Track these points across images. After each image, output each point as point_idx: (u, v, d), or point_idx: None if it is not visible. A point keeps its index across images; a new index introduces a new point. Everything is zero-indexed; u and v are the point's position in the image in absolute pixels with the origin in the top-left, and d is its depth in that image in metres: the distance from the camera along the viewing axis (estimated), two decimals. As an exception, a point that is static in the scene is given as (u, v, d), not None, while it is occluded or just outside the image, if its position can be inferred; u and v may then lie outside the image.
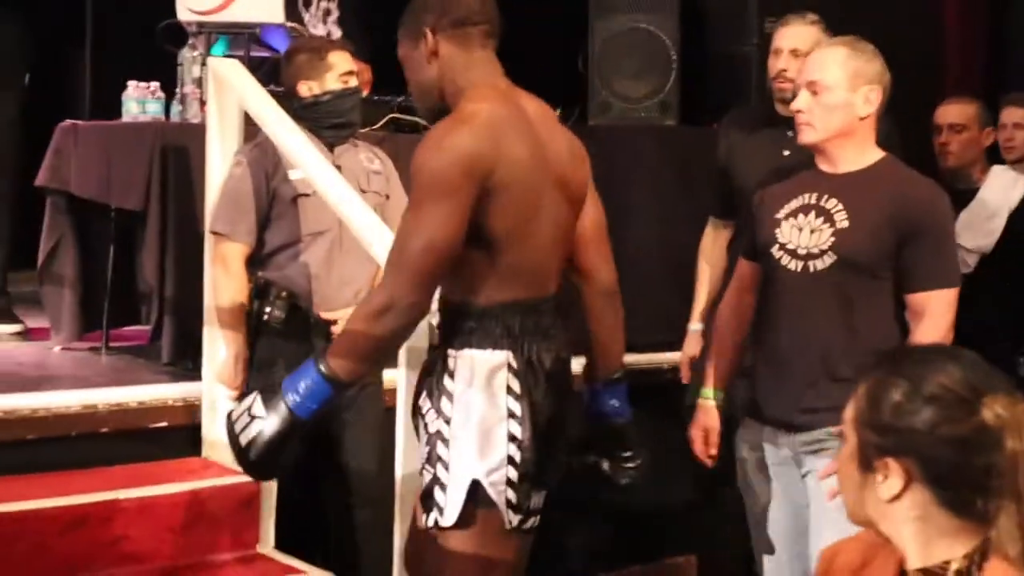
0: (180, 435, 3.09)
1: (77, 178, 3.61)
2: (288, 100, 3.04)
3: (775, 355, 2.37)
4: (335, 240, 2.95)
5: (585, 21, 4.39)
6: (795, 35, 3.08)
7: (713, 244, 3.29)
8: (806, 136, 2.35)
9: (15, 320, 4.01)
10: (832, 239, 2.28)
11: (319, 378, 1.89)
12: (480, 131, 1.92)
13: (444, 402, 1.97)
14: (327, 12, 4.32)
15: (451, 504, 1.96)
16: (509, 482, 1.97)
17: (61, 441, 2.93)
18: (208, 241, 3.02)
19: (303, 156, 2.83)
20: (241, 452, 1.93)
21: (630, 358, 2.37)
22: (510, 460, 1.97)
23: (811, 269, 2.30)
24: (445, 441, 1.97)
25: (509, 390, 1.97)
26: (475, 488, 1.96)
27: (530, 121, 2.01)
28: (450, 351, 1.99)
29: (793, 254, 2.32)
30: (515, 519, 1.99)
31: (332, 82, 3.01)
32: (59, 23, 4.61)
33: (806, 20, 3.08)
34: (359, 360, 1.92)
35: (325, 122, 2.97)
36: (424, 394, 2.04)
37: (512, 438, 1.97)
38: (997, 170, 3.57)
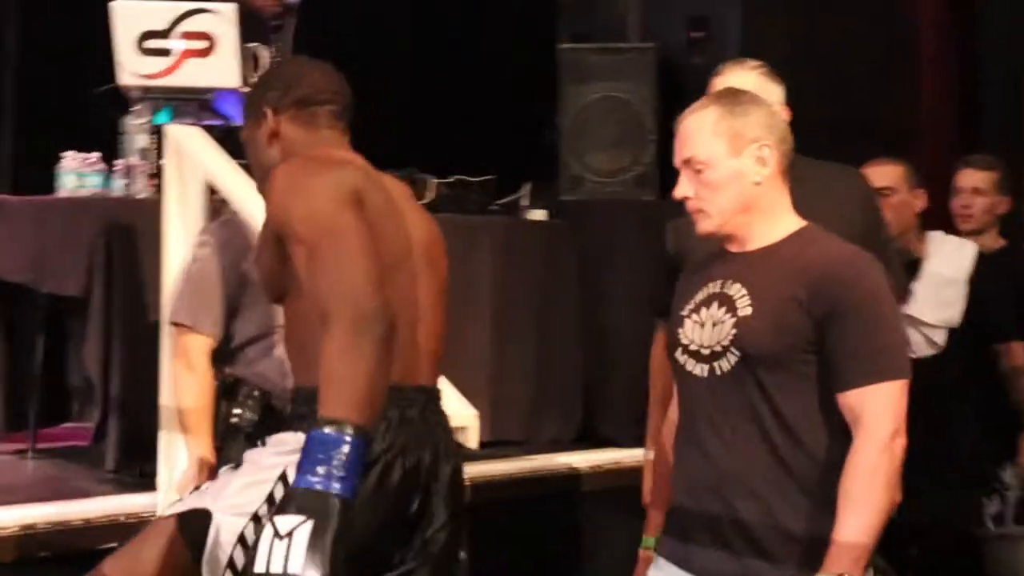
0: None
1: (2, 260, 3.30)
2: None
3: (689, 488, 1.93)
4: None
5: (554, 88, 4.25)
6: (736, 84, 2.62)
7: (663, 352, 2.74)
8: (703, 225, 1.96)
9: None
10: (734, 331, 1.87)
11: (355, 439, 1.59)
12: (336, 163, 1.85)
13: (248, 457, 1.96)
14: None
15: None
16: (242, 540, 1.78)
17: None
18: (167, 333, 2.73)
19: None
20: None
21: (611, 455, 2.12)
22: (255, 519, 1.79)
23: (717, 371, 1.88)
24: None
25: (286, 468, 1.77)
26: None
27: (383, 185, 1.91)
28: None
29: (696, 355, 1.92)
30: None
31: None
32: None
33: (745, 66, 2.63)
34: (371, 398, 1.64)
35: None
36: None
37: (271, 499, 1.78)
38: (936, 236, 3.38)
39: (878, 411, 1.79)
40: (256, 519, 1.79)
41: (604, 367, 3.96)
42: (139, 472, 2.99)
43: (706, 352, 1.89)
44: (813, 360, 1.84)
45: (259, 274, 2.06)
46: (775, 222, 1.94)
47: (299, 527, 1.55)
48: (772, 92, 2.45)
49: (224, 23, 3.46)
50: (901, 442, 1.80)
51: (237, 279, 2.65)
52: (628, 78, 4.19)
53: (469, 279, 3.64)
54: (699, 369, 1.91)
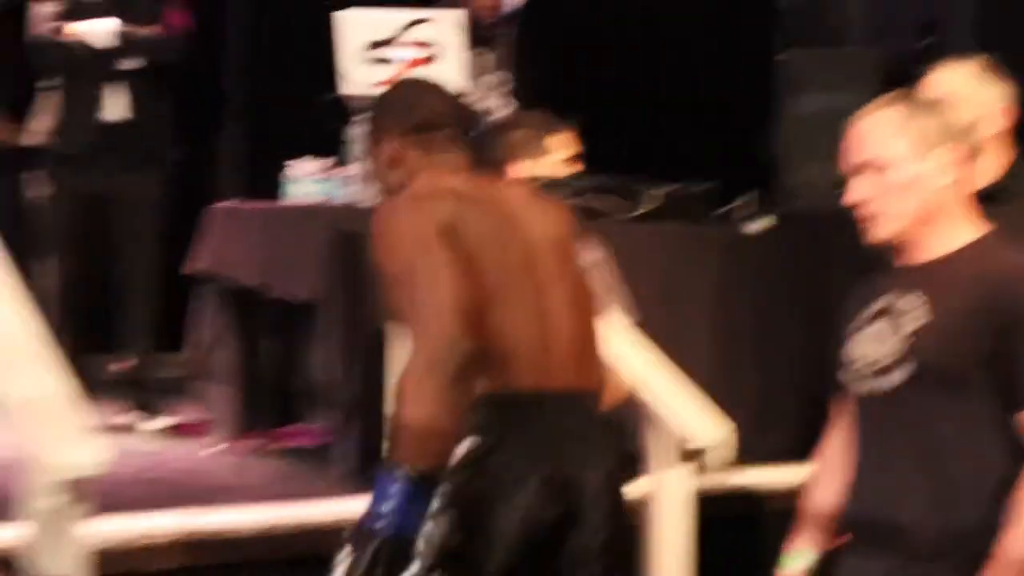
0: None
1: (234, 266, 3.44)
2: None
3: (852, 520, 1.88)
4: None
5: (771, 96, 4.23)
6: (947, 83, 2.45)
7: None
8: (877, 232, 1.88)
9: (159, 415, 3.80)
10: (908, 342, 1.80)
11: (405, 481, 1.75)
12: (432, 197, 1.93)
13: None
14: (500, 83, 4.21)
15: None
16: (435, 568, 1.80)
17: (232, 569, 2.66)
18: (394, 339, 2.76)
19: None
20: None
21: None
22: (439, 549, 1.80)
23: (886, 386, 1.82)
24: None
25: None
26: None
27: (493, 197, 1.99)
28: None
29: (865, 371, 1.87)
30: None
31: (547, 168, 2.87)
32: (204, 99, 4.61)
33: (957, 64, 2.45)
34: (427, 441, 1.77)
35: None
36: None
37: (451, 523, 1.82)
38: None
39: None
40: None
41: (825, 380, 3.83)
42: (371, 476, 3.03)
43: (876, 367, 1.83)
44: (988, 375, 1.77)
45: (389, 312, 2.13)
46: (954, 231, 1.86)
47: (343, 559, 1.75)
48: (989, 91, 2.37)
49: (449, 31, 3.51)
50: None
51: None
52: (849, 86, 4.09)
53: (690, 290, 3.61)
54: (867, 385, 1.84)
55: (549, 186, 2.77)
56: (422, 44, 3.50)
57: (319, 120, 3.65)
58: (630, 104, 5.21)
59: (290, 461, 3.48)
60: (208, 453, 3.43)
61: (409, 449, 1.75)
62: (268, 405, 3.46)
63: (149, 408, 3.79)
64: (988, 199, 2.11)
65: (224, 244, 3.46)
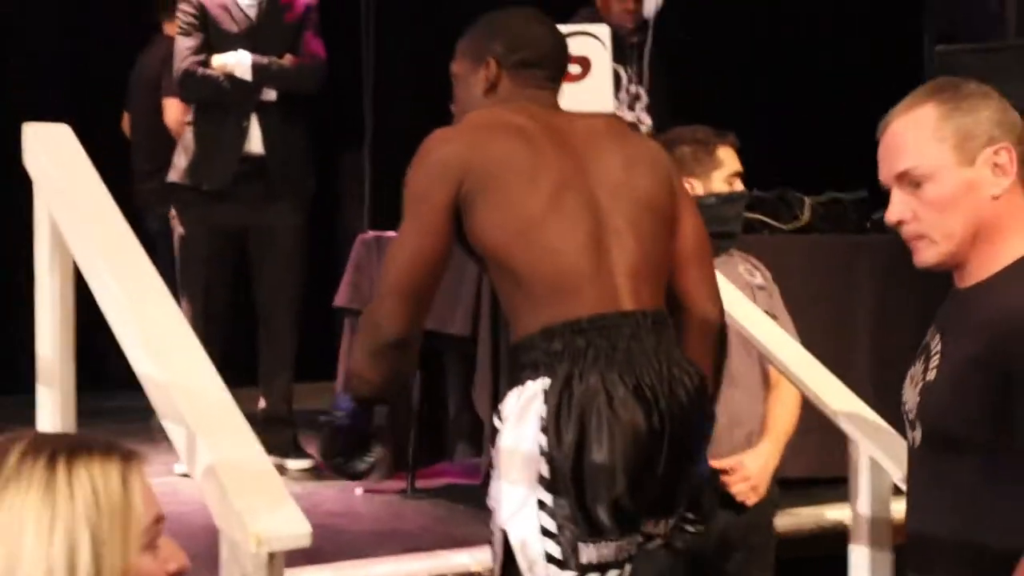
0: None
1: None
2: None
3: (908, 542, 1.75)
4: (725, 374, 2.55)
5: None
6: None
7: None
8: (924, 257, 1.63)
9: (304, 454, 3.79)
10: (918, 398, 1.61)
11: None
12: (454, 136, 1.98)
13: (495, 452, 1.94)
14: (636, 96, 4.14)
15: (497, 560, 1.91)
16: (545, 532, 1.84)
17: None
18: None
19: None
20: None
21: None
22: (541, 505, 1.85)
23: (913, 444, 1.64)
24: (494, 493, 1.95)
25: (541, 424, 1.84)
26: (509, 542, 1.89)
27: (555, 129, 1.99)
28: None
29: (905, 419, 1.68)
30: None
31: (718, 183, 2.75)
32: (344, 128, 4.70)
33: None
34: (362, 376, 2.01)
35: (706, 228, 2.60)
36: None
37: (542, 479, 1.84)
38: None
39: None
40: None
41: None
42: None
43: (908, 416, 1.66)
44: (1002, 429, 1.52)
45: None
46: (1003, 247, 1.58)
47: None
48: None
49: (599, 45, 3.43)
50: None
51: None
52: (1008, 79, 3.87)
53: (848, 301, 3.54)
54: (909, 437, 1.66)
55: (724, 201, 2.72)
56: (575, 59, 3.46)
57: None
58: (772, 113, 5.20)
59: (442, 500, 3.47)
60: (361, 493, 3.37)
61: (349, 381, 2.06)
62: (420, 442, 3.41)
63: (294, 446, 3.77)
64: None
65: (370, 276, 3.41)
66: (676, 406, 1.90)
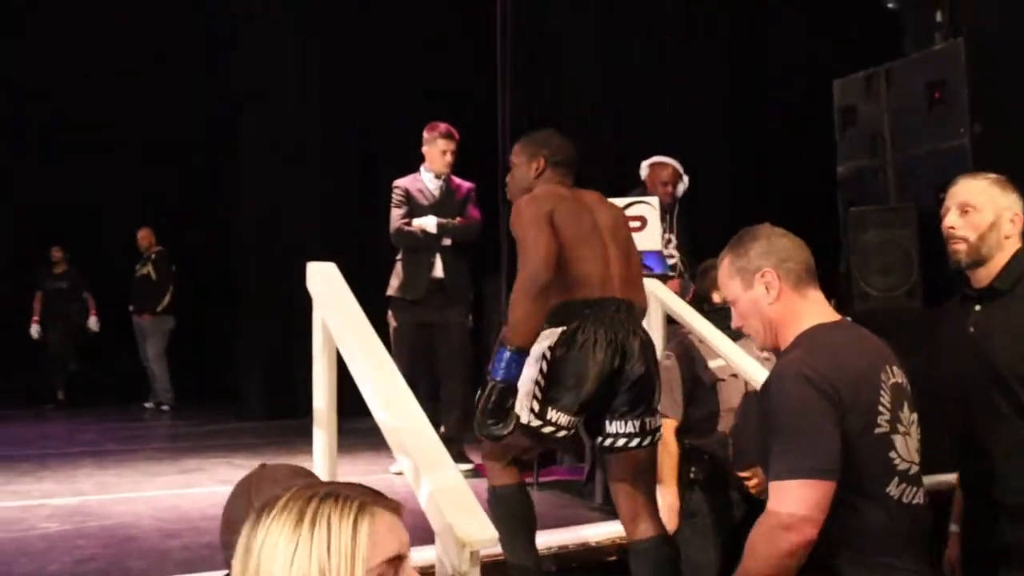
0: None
1: None
2: (699, 304, 3.73)
3: None
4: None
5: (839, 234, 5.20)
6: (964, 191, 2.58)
7: None
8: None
9: (467, 461, 4.82)
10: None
11: (513, 353, 2.77)
12: (540, 195, 2.96)
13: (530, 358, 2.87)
14: (669, 240, 5.06)
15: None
16: (533, 396, 2.82)
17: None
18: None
19: (722, 348, 3.36)
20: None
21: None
22: (536, 384, 2.80)
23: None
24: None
25: (547, 349, 2.82)
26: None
27: (579, 199, 3.00)
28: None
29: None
30: (534, 421, 2.81)
31: None
32: (484, 261, 5.79)
33: (977, 177, 2.62)
34: (524, 330, 2.79)
35: (726, 323, 3.05)
36: None
37: (541, 372, 2.81)
38: None
39: (772, 500, 1.94)
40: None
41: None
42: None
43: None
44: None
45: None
46: (796, 330, 2.10)
47: (479, 394, 2.78)
48: (1005, 200, 2.56)
49: (651, 209, 4.57)
50: (774, 548, 1.90)
51: (691, 379, 3.43)
52: (900, 226, 4.91)
53: None
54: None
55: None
56: (637, 217, 4.44)
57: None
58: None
59: (555, 493, 4.27)
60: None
61: (509, 336, 2.75)
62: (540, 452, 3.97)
63: (461, 456, 4.74)
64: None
65: None
66: (631, 352, 2.84)
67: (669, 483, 3.26)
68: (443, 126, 5.02)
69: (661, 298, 3.89)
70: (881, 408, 1.95)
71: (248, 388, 8.40)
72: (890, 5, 6.01)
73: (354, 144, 8.36)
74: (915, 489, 2.00)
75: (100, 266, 9.75)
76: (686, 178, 5.09)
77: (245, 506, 1.50)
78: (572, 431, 2.88)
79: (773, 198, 7.31)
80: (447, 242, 4.99)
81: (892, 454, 1.96)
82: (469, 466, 4.74)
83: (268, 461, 1.73)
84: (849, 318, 2.67)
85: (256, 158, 8.40)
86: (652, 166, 5.21)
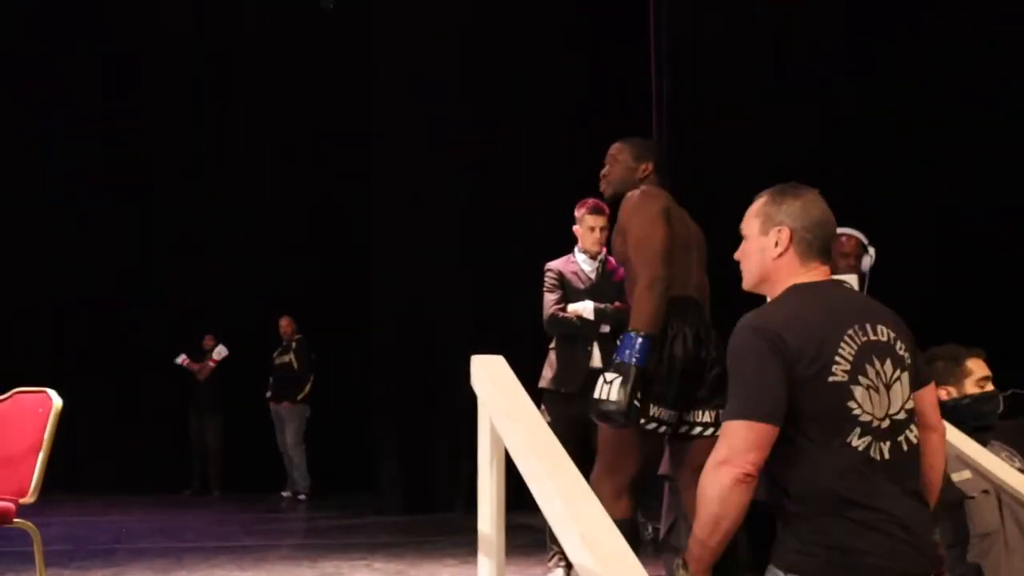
0: None
1: None
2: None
3: None
4: (999, 540, 2.96)
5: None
6: None
7: None
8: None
9: None
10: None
11: (645, 338, 3.15)
12: (655, 195, 3.41)
13: None
14: None
15: None
16: (634, 393, 3.12)
17: None
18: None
19: (975, 458, 2.98)
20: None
21: None
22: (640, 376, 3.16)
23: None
24: None
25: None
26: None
27: (674, 204, 3.46)
28: None
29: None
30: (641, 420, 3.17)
31: (970, 387, 3.14)
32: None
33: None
34: (654, 318, 3.18)
35: (965, 426, 3.01)
36: None
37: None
38: None
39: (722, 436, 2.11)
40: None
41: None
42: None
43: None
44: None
45: (615, 251, 3.46)
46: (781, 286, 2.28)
47: (615, 379, 3.08)
48: None
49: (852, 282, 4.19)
50: (721, 474, 2.03)
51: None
52: None
53: None
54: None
55: (977, 400, 3.05)
56: None
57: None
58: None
59: None
60: None
61: (643, 323, 3.13)
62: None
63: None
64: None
65: None
66: (711, 342, 3.24)
67: None
68: (591, 201, 4.73)
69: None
70: (839, 358, 2.06)
71: (385, 479, 8.26)
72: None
73: (497, 229, 8.10)
74: (887, 444, 2.07)
75: (239, 354, 9.86)
76: (872, 250, 4.68)
77: None
78: (672, 425, 3.21)
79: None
80: (605, 329, 4.63)
81: (851, 404, 2.05)
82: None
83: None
84: (839, 277, 2.62)
85: (394, 244, 8.33)
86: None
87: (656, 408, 3.12)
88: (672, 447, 3.45)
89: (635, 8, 7.25)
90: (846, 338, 2.08)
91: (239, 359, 9.81)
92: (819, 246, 2.20)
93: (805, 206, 2.20)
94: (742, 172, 6.00)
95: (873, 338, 2.10)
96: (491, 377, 2.50)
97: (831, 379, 2.04)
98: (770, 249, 2.20)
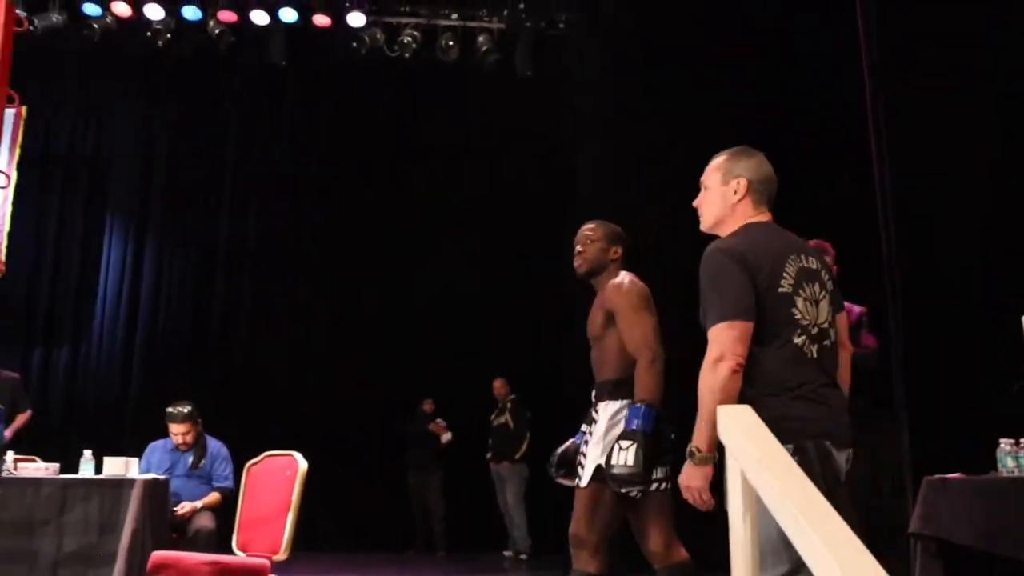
0: None
1: (952, 527, 3.80)
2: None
3: None
4: None
5: None
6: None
7: None
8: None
9: None
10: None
11: (651, 409, 3.39)
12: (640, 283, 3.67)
13: None
14: None
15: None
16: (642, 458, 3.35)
17: None
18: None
19: None
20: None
21: None
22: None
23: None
24: None
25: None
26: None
27: None
28: None
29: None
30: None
31: None
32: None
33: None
34: (657, 392, 3.48)
35: None
36: None
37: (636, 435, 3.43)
38: None
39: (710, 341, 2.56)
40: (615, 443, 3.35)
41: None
42: None
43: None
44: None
45: (590, 326, 3.63)
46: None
47: (630, 446, 3.25)
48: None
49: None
50: (716, 372, 2.49)
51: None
52: None
53: None
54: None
55: None
56: None
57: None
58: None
59: None
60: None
61: (648, 395, 3.35)
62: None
63: None
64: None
65: (938, 509, 3.85)
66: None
67: None
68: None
69: None
70: (785, 275, 2.57)
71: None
72: None
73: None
74: (816, 345, 2.58)
75: (458, 417, 9.89)
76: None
77: None
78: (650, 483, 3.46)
79: None
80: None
81: (794, 310, 2.56)
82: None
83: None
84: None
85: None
86: None
87: (658, 468, 3.43)
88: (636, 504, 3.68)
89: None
90: (789, 261, 2.60)
91: (455, 420, 9.84)
92: (767, 196, 2.73)
93: (759, 163, 2.73)
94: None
95: (806, 265, 2.63)
96: (740, 427, 2.35)
97: (780, 290, 2.56)
98: (730, 196, 2.70)
